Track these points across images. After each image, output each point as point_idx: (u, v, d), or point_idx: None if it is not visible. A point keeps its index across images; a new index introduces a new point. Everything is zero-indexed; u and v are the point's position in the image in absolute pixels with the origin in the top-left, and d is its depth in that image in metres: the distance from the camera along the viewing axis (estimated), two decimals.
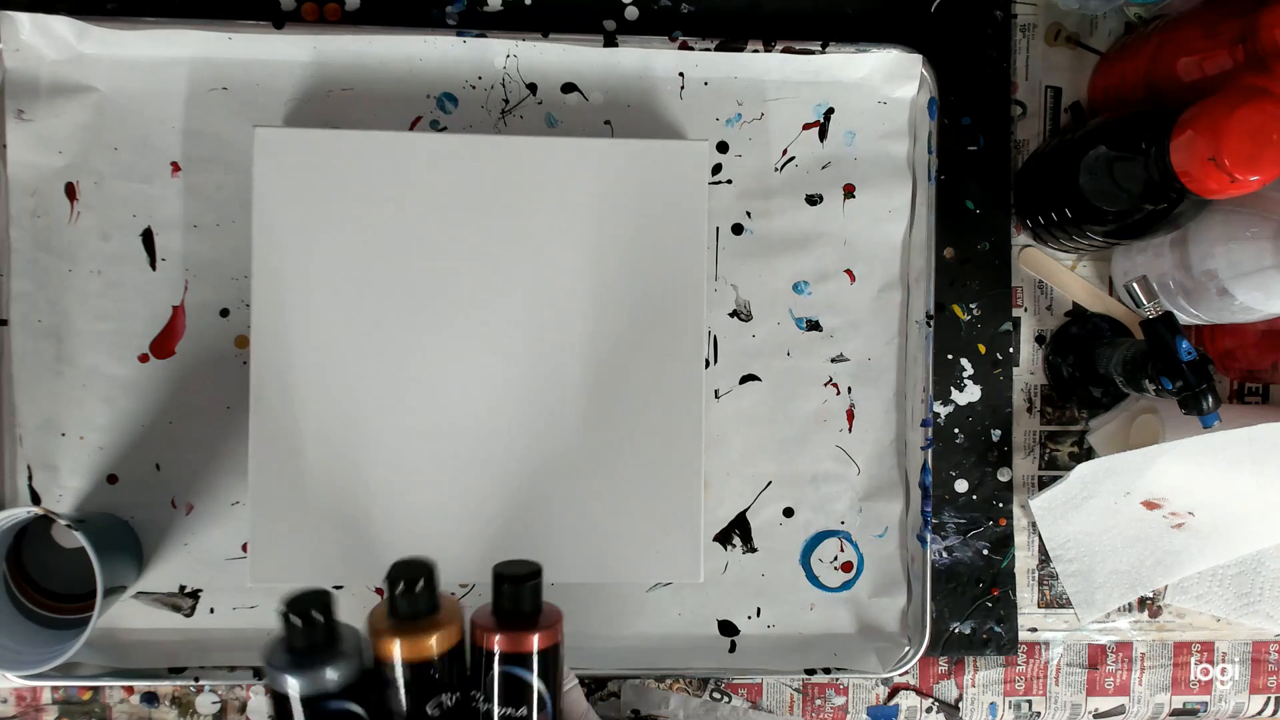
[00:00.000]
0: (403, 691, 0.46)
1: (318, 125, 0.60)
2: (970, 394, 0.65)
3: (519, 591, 0.48)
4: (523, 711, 0.47)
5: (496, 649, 0.47)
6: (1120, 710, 0.67)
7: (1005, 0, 0.65)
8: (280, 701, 0.44)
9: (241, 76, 0.60)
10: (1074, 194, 0.57)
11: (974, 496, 0.65)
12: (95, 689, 0.61)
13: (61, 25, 0.57)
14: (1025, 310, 0.66)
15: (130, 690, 0.61)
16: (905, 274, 0.64)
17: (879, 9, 0.64)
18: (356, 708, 0.45)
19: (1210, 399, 0.54)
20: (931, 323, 0.62)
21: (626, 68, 0.61)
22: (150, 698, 0.61)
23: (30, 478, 0.59)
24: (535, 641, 0.47)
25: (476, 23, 0.62)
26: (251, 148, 0.56)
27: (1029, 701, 0.66)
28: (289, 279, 0.56)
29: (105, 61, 0.59)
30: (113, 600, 0.58)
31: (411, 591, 0.46)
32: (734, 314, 0.63)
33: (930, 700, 0.66)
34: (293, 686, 0.44)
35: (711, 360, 0.63)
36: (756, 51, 0.61)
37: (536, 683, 0.47)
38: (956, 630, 0.65)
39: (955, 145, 0.64)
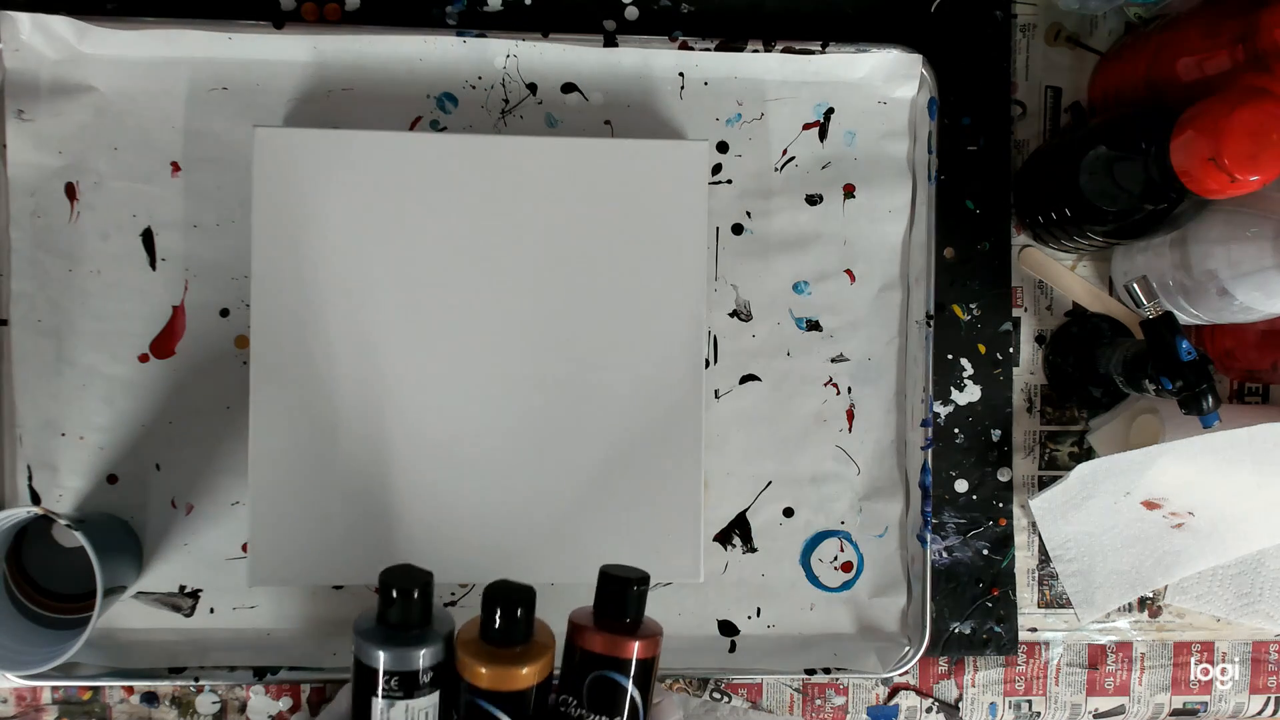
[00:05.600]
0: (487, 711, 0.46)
1: (318, 125, 0.60)
2: (970, 394, 0.65)
3: (626, 595, 0.47)
4: None
5: (595, 651, 0.46)
6: (1120, 710, 0.67)
7: (1005, 0, 0.65)
8: (365, 674, 0.46)
9: (241, 76, 0.60)
10: (1074, 194, 0.57)
11: (974, 496, 0.65)
12: (95, 689, 0.61)
13: (61, 25, 0.57)
14: (1025, 310, 0.66)
15: (130, 690, 0.61)
16: (905, 274, 0.64)
17: (879, 9, 0.64)
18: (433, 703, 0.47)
19: (1210, 399, 0.54)
20: (931, 323, 0.62)
21: (626, 68, 0.61)
22: (150, 698, 0.61)
23: (30, 478, 0.59)
24: (635, 649, 0.46)
25: (476, 23, 0.62)
26: (251, 148, 0.56)
27: (1029, 701, 0.66)
28: (289, 279, 0.56)
29: (105, 61, 0.59)
30: (113, 600, 0.57)
31: (509, 617, 0.46)
32: (734, 314, 0.63)
33: (930, 700, 0.66)
34: (380, 659, 0.45)
35: (711, 360, 0.63)
36: (756, 51, 0.61)
37: (632, 690, 0.46)
38: (956, 630, 0.65)
39: (955, 145, 0.64)
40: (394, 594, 0.46)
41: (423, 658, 0.46)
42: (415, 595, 0.46)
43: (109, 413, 0.60)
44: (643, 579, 0.47)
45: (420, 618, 0.47)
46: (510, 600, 0.46)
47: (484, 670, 0.45)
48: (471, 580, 0.61)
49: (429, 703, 0.46)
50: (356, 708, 0.47)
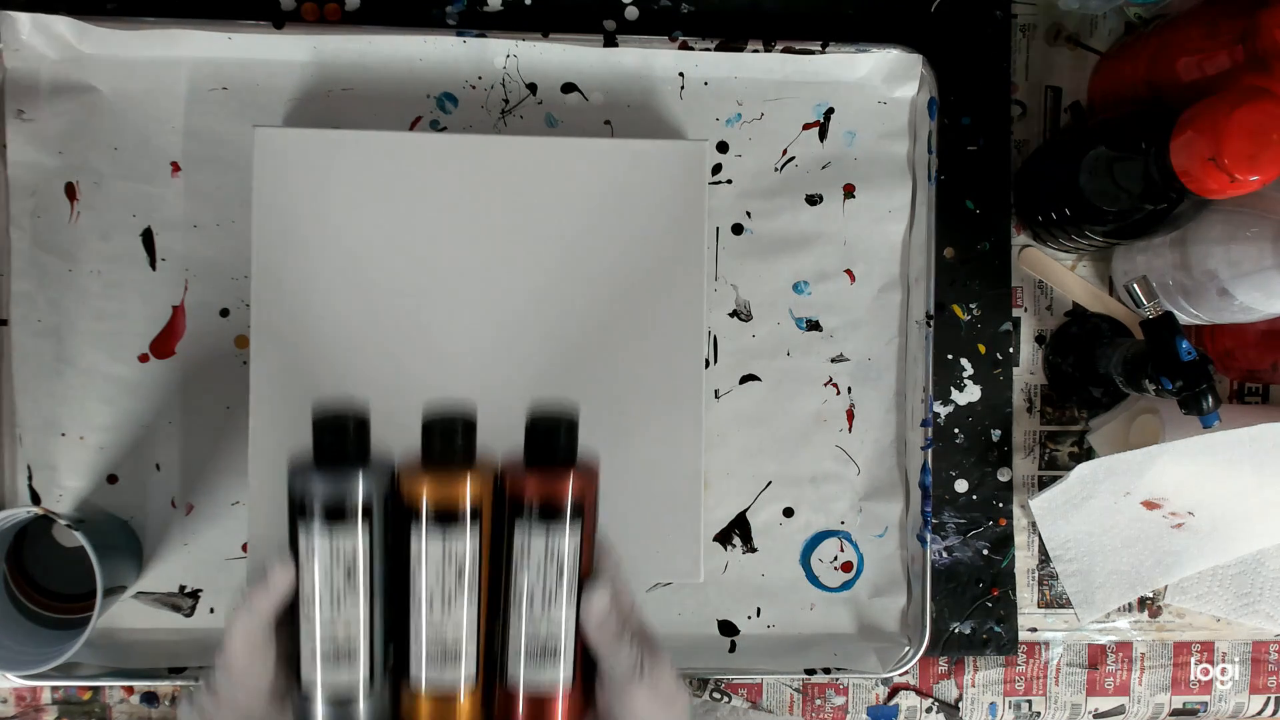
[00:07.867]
0: (425, 533, 0.44)
1: (318, 125, 0.60)
2: (970, 394, 0.65)
3: (551, 435, 0.45)
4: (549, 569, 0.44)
5: (525, 497, 0.44)
6: (1120, 710, 0.67)
7: (1005, 0, 0.65)
8: (293, 508, 0.44)
9: (241, 76, 0.60)
10: (1074, 194, 0.57)
11: (974, 496, 0.65)
12: (95, 689, 0.61)
13: (61, 25, 0.57)
14: (1025, 310, 0.66)
15: (130, 690, 0.61)
16: (905, 274, 0.64)
17: (879, 9, 0.64)
18: (362, 543, 0.44)
19: (1210, 399, 0.54)
20: (931, 323, 0.62)
21: (626, 68, 0.61)
22: (150, 698, 0.61)
23: (30, 478, 0.59)
24: (568, 490, 0.44)
25: (476, 23, 0.62)
26: (251, 148, 0.56)
27: (1029, 701, 0.66)
28: (289, 279, 0.56)
29: (105, 61, 0.59)
30: (113, 600, 0.58)
31: (448, 436, 0.44)
32: (734, 314, 0.63)
33: (930, 700, 0.66)
34: (317, 492, 0.43)
35: (711, 360, 0.63)
36: (756, 51, 0.61)
37: (568, 539, 0.44)
38: (956, 630, 0.65)
39: (955, 145, 0.64)
40: (327, 427, 0.45)
41: (356, 489, 0.44)
42: (350, 429, 0.45)
43: (109, 413, 0.60)
44: (571, 419, 0.45)
45: (355, 453, 0.45)
46: (448, 419, 0.45)
47: (424, 489, 0.44)
48: None
49: (360, 537, 0.44)
50: (291, 544, 0.44)
